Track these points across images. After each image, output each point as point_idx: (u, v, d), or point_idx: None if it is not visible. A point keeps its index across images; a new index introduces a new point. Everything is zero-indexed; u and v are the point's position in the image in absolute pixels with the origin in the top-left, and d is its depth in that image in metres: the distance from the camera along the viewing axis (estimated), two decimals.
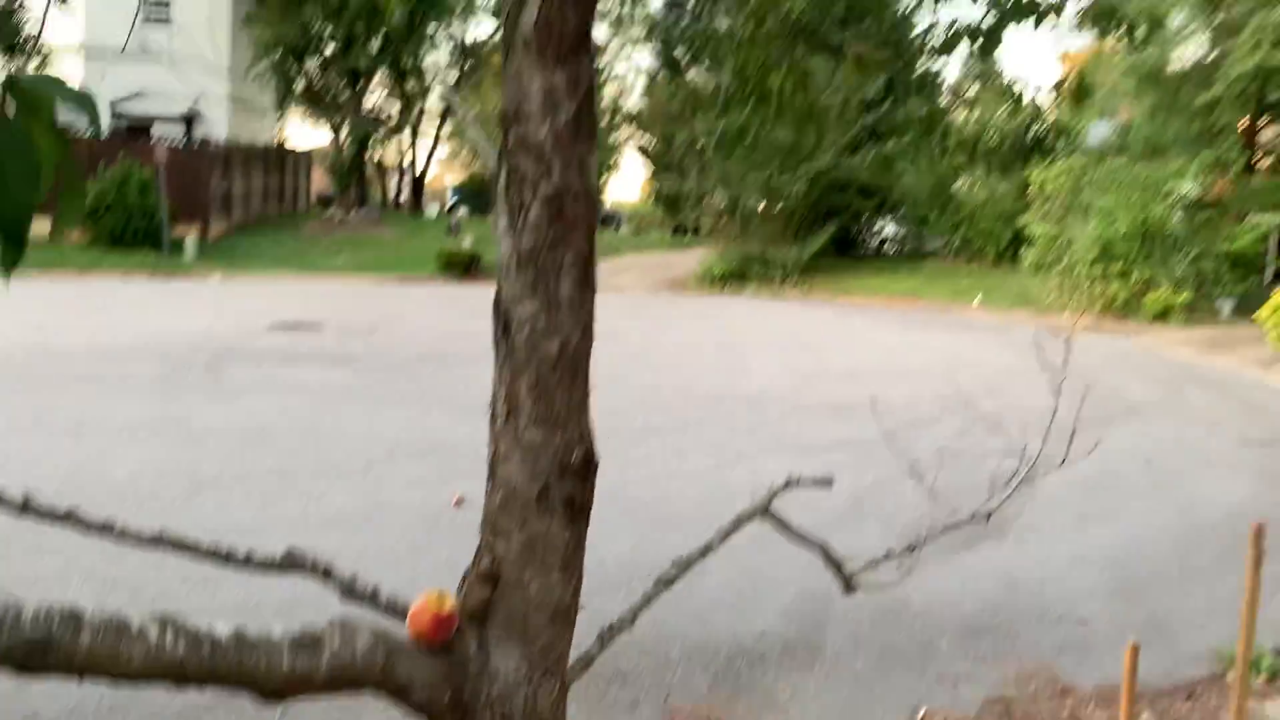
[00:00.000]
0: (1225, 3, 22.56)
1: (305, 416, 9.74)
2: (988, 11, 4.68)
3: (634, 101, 42.72)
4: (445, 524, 6.71)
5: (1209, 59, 24.62)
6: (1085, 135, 24.04)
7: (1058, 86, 5.44)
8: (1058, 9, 4.60)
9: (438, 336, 15.41)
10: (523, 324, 1.85)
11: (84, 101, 1.08)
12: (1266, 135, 27.52)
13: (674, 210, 36.88)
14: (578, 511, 1.83)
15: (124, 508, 6.76)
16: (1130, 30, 4.46)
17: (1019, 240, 24.34)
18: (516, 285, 1.87)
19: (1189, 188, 21.19)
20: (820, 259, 26.85)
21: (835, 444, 9.42)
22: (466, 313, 18.65)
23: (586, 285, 1.91)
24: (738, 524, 2.07)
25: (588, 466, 1.84)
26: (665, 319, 18.90)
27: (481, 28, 40.90)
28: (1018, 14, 4.75)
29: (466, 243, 26.93)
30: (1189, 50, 25.92)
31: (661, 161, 35.96)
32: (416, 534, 6.59)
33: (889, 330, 18.47)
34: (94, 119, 1.09)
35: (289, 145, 39.12)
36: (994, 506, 2.67)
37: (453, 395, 10.85)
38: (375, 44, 32.70)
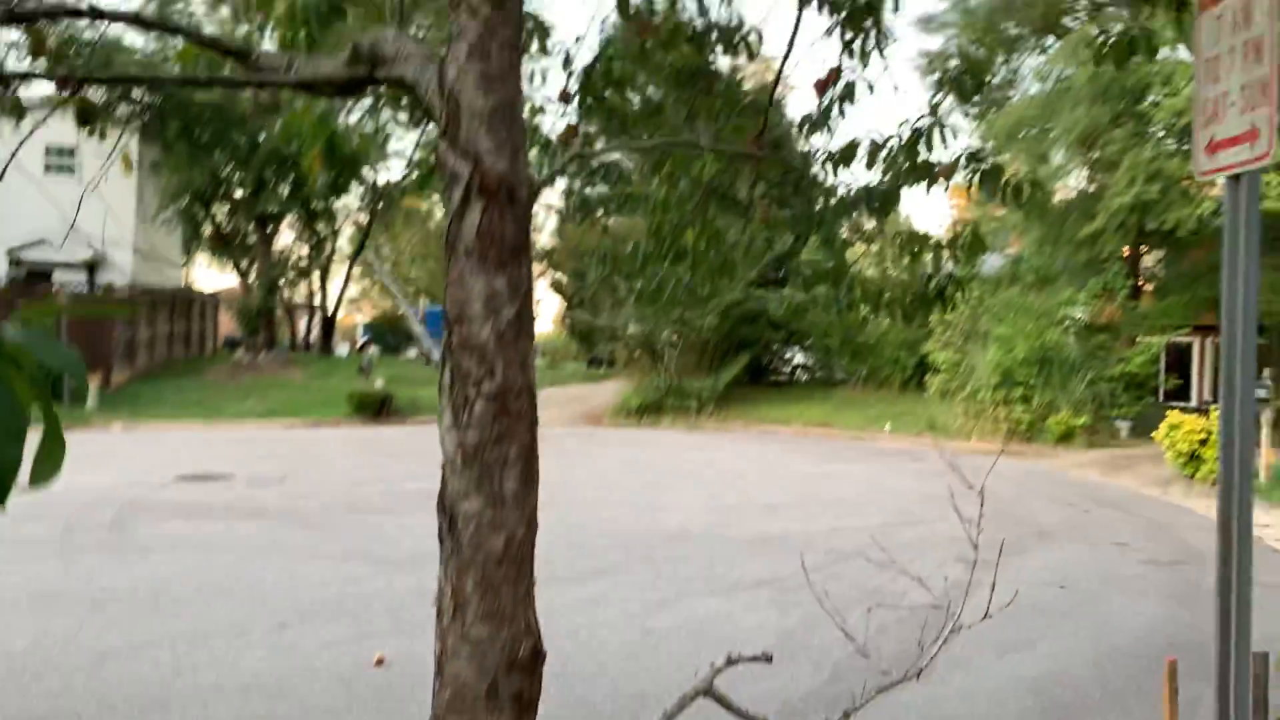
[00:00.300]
0: (1100, 141, 24.22)
1: (215, 575, 9.42)
2: (884, 176, 4.99)
3: (545, 239, 43.50)
4: (366, 686, 6.51)
5: (1090, 192, 26.28)
6: (980, 267, 25.33)
7: (951, 244, 5.76)
8: (948, 174, 4.94)
9: (350, 484, 15.14)
10: (468, 520, 1.90)
11: (71, 364, 1.13)
12: (1148, 261, 29.24)
13: (589, 343, 37.30)
14: (526, 706, 1.85)
15: (22, 684, 6.43)
16: (1016, 191, 4.80)
17: (924, 367, 25.22)
18: (461, 481, 1.93)
19: (1080, 314, 22.31)
20: (734, 388, 27.35)
21: (760, 582, 9.45)
22: (380, 457, 18.49)
23: (530, 479, 1.98)
24: (682, 705, 2.11)
25: (535, 659, 1.87)
26: (584, 453, 18.91)
27: (393, 171, 41.53)
28: (911, 177, 5.08)
29: (378, 383, 26.76)
30: (1070, 183, 27.66)
31: (575, 296, 36.52)
32: (336, 698, 6.37)
33: (806, 460, 18.74)
34: (81, 384, 1.14)
35: (195, 288, 38.75)
36: (924, 664, 2.74)
37: (368, 546, 10.64)
38: (285, 188, 32.95)
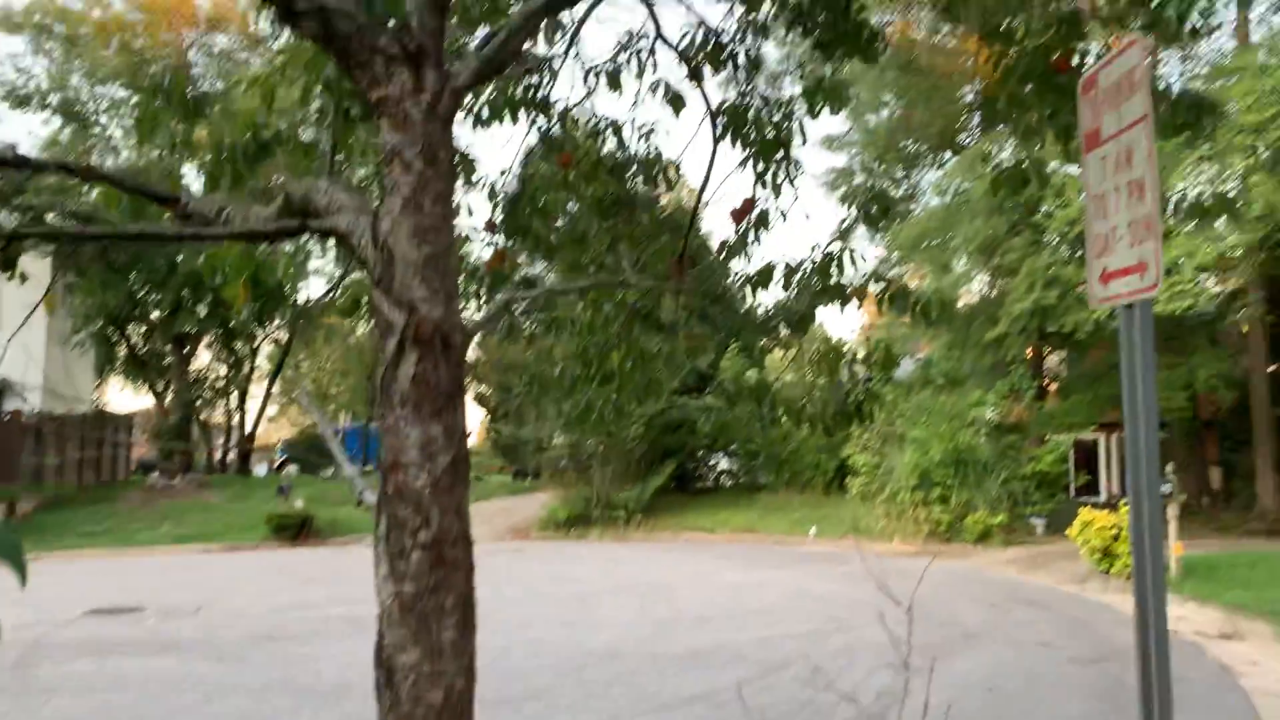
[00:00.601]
0: (999, 249, 25.33)
1: (126, 716, 8.97)
2: (800, 296, 5.19)
3: (469, 352, 43.38)
4: None
5: (992, 297, 27.36)
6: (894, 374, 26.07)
7: (866, 359, 6.00)
8: (860, 294, 5.15)
9: (269, 610, 14.63)
10: (406, 673, 1.90)
11: (8, 548, 1.14)
12: (1051, 362, 30.36)
13: (513, 456, 37.05)
14: None
15: None
16: (925, 310, 5.01)
17: (844, 470, 25.59)
18: (398, 633, 1.94)
19: (990, 415, 22.97)
20: (661, 497, 27.34)
21: (694, 697, 9.33)
22: (300, 581, 17.92)
23: (468, 627, 1.99)
24: None
25: None
26: (511, 570, 18.60)
27: (313, 287, 41.38)
28: (825, 297, 5.29)
29: (297, 504, 26.14)
30: (974, 288, 28.78)
31: (499, 409, 36.37)
32: None
33: (734, 567, 18.70)
34: (21, 572, 1.14)
35: (108, 411, 37.65)
36: None
37: (289, 677, 10.25)
38: (204, 308, 32.51)
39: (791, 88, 5.29)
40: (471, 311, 5.79)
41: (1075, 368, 27.50)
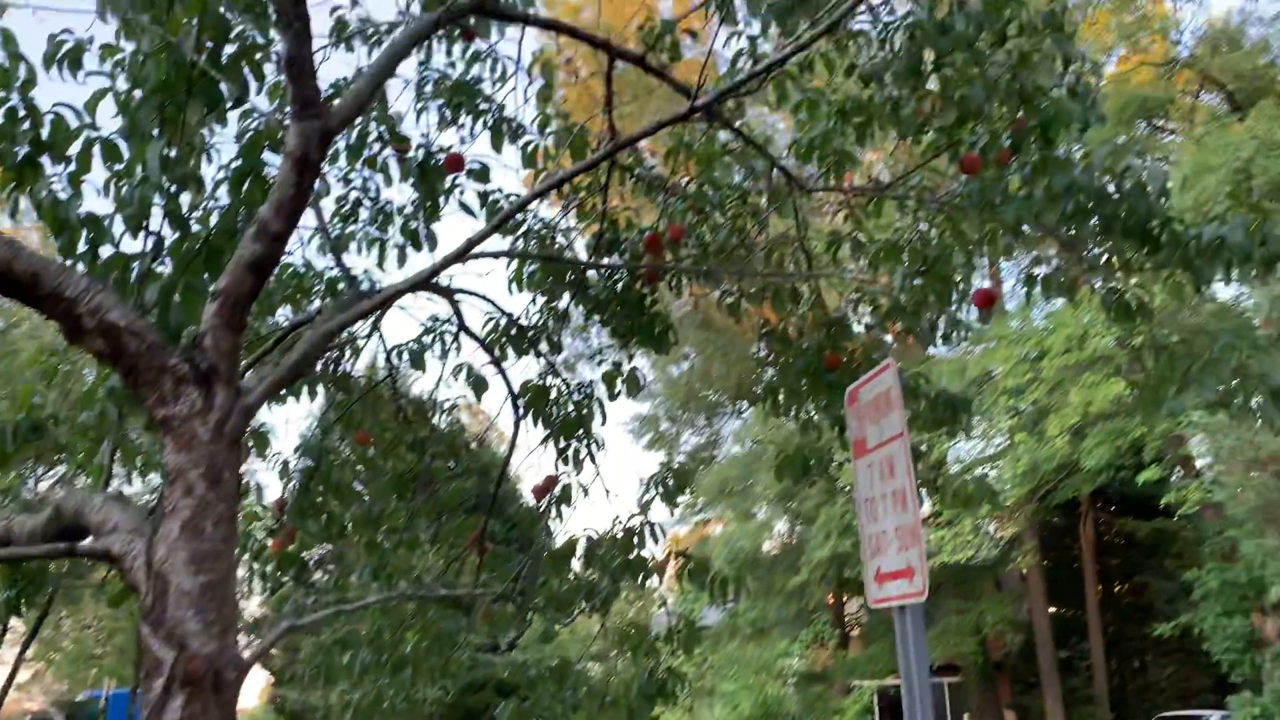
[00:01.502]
0: (798, 495, 26.30)
1: None
2: (603, 576, 5.21)
3: (252, 606, 40.57)
4: None
5: (793, 544, 28.13)
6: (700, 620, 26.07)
7: (669, 637, 6.10)
8: (661, 570, 5.23)
9: None
10: None
11: None
12: (852, 608, 31.10)
13: None
14: None
15: None
16: (722, 586, 5.12)
17: None
18: None
19: (796, 663, 23.11)
20: None
21: None
22: None
23: None
24: None
25: None
26: None
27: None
28: (627, 572, 5.33)
29: None
30: (775, 534, 29.56)
31: (284, 671, 33.72)
32: None
33: None
34: None
35: None
36: None
37: None
38: None
39: (590, 369, 5.54)
40: (254, 591, 5.51)
41: (875, 614, 28.25)
